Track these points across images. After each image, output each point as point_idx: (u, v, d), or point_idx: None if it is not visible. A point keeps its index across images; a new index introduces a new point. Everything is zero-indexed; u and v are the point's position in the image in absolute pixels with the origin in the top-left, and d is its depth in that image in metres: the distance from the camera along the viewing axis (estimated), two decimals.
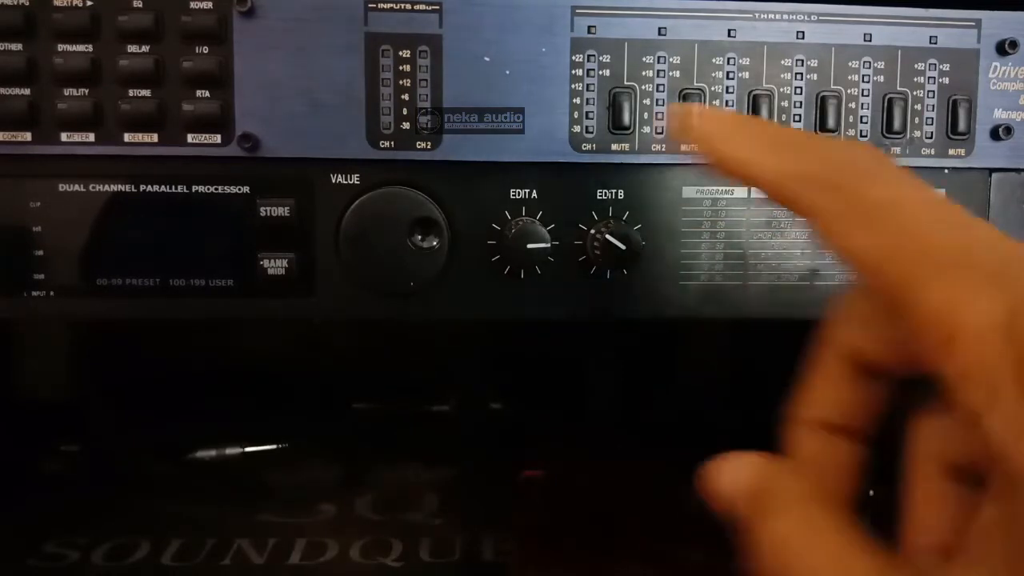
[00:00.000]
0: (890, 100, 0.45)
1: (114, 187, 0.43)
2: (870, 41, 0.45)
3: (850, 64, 0.45)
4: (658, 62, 0.44)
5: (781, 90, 0.45)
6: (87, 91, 0.42)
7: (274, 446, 0.73)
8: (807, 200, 0.25)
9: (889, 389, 0.27)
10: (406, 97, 0.43)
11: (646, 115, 0.44)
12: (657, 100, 0.44)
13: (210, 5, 0.42)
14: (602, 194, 0.45)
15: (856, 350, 0.27)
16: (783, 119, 0.45)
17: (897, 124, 0.45)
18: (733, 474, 0.26)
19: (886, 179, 0.24)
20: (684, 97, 0.44)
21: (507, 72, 0.43)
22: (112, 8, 0.41)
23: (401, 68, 0.43)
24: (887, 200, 0.23)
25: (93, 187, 0.43)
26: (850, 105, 0.45)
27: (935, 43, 0.46)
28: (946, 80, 0.46)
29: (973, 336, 0.20)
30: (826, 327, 0.28)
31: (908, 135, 0.46)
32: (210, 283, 0.44)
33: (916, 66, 0.46)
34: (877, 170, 0.24)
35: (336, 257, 0.44)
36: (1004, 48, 0.46)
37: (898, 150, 0.46)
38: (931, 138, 0.46)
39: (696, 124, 0.27)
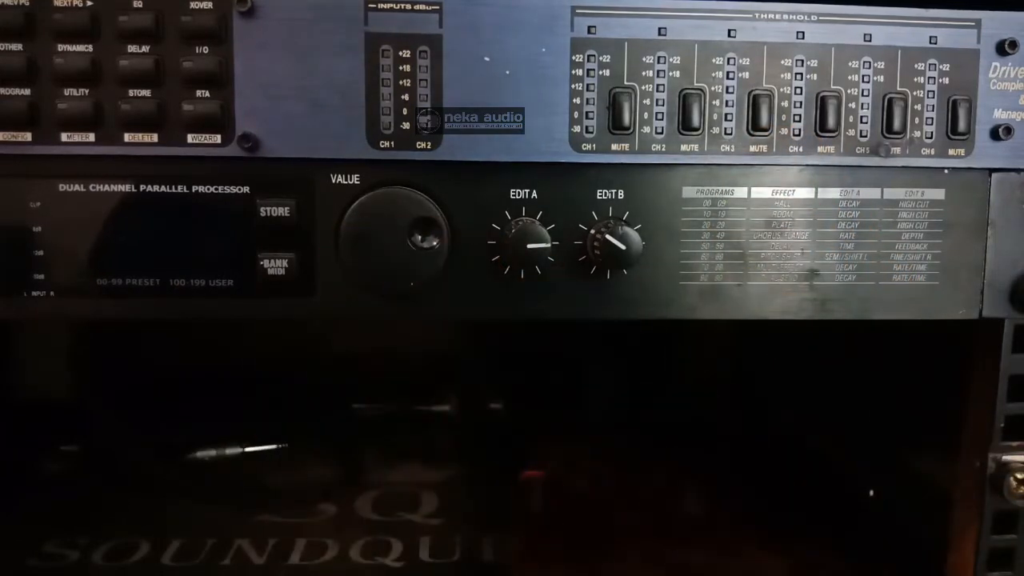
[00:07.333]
0: (890, 100, 0.45)
1: (114, 187, 0.43)
2: (870, 41, 0.45)
3: (850, 64, 0.45)
4: (658, 62, 0.44)
5: (781, 90, 0.45)
6: (87, 91, 0.42)
7: (274, 446, 0.73)
8: None
9: None
10: (406, 97, 0.43)
11: (646, 115, 0.44)
12: (657, 100, 0.44)
13: (210, 5, 0.42)
14: (602, 194, 0.45)
15: None
16: (783, 119, 0.45)
17: (897, 124, 0.45)
18: None
19: None
20: (684, 97, 0.44)
21: (507, 72, 0.43)
22: (112, 8, 0.41)
23: (401, 68, 0.43)
24: None
25: (93, 187, 0.43)
26: (850, 105, 0.45)
27: (935, 43, 0.46)
28: (946, 80, 0.46)
29: None
30: None
31: (908, 135, 0.46)
32: (210, 283, 0.44)
33: (916, 66, 0.46)
34: None
35: (336, 257, 0.44)
36: (1004, 48, 0.46)
37: (898, 150, 0.46)
38: (931, 138, 0.46)
39: None
